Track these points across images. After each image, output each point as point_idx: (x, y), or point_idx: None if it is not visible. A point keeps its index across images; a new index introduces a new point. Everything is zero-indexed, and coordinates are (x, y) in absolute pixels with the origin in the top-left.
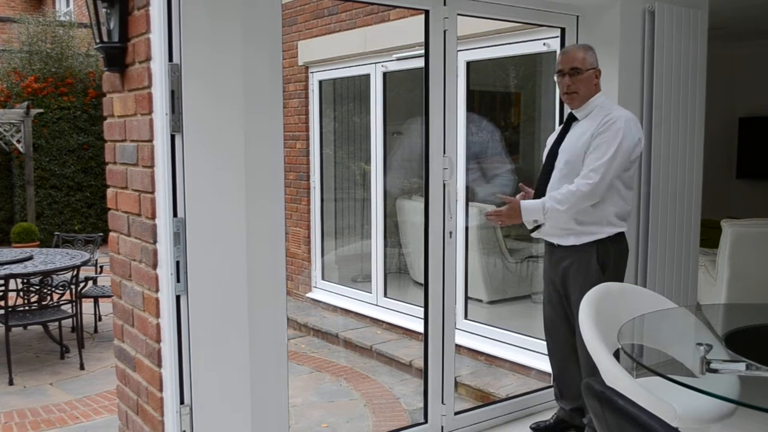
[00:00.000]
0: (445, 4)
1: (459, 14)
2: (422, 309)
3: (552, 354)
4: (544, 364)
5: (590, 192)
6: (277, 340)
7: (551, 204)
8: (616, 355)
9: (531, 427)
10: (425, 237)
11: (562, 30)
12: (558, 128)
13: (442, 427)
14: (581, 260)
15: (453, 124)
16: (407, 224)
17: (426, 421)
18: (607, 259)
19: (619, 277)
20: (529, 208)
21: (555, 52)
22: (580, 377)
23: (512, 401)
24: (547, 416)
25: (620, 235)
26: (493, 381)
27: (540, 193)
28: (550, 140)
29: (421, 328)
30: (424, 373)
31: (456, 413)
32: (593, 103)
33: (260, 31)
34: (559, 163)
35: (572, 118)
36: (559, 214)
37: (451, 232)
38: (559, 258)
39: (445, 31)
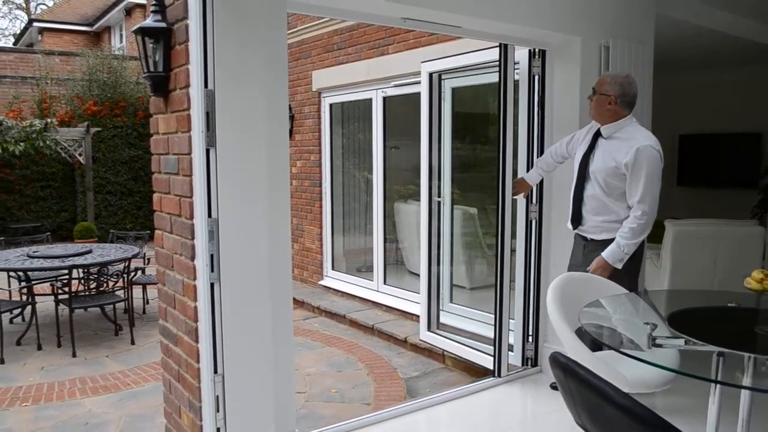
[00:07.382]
0: None
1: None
2: (417, 294)
3: None
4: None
5: (646, 223)
6: (286, 317)
7: (624, 242)
8: (578, 332)
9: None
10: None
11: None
12: (587, 138)
13: None
14: None
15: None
16: (403, 223)
17: None
18: None
19: (637, 261)
20: (612, 256)
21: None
22: None
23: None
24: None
25: None
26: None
27: (577, 199)
28: (581, 149)
29: (415, 310)
30: None
31: None
32: (617, 125)
33: (279, 62)
34: (593, 178)
35: (598, 134)
36: (632, 246)
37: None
38: (592, 250)
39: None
